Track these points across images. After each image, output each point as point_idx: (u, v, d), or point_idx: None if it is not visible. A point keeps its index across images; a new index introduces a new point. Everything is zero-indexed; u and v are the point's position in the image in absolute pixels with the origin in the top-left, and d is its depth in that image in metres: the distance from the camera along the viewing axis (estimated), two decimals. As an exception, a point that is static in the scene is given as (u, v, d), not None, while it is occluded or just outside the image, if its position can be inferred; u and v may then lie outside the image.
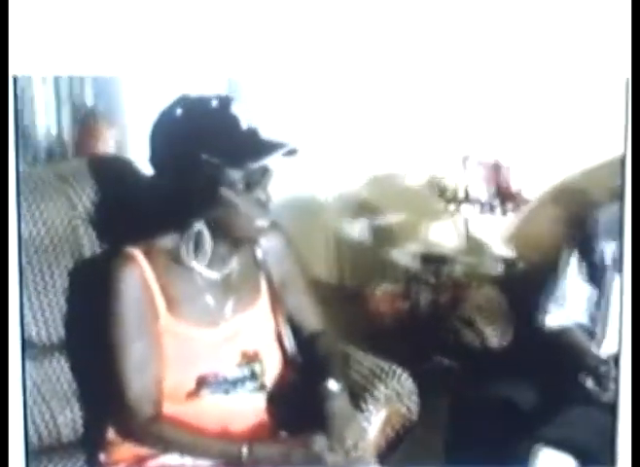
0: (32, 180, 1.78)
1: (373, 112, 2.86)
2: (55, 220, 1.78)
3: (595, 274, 2.03)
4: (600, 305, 2.02)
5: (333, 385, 1.57)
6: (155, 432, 1.53)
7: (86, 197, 1.80)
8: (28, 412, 1.71)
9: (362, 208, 3.24)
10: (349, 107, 2.85)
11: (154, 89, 2.79)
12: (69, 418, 1.75)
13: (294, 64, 1.83)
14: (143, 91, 2.86)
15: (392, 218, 3.19)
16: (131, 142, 2.89)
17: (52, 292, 1.75)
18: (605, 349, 1.99)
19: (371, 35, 1.83)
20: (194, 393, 1.54)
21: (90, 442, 1.69)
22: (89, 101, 2.81)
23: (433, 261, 2.86)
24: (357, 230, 3.28)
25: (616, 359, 1.86)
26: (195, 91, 1.64)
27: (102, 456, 1.62)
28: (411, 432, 1.82)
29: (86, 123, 2.86)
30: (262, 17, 1.80)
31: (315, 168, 2.95)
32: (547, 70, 1.91)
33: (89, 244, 1.79)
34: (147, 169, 1.81)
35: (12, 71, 1.76)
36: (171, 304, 1.54)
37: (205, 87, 2.80)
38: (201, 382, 1.54)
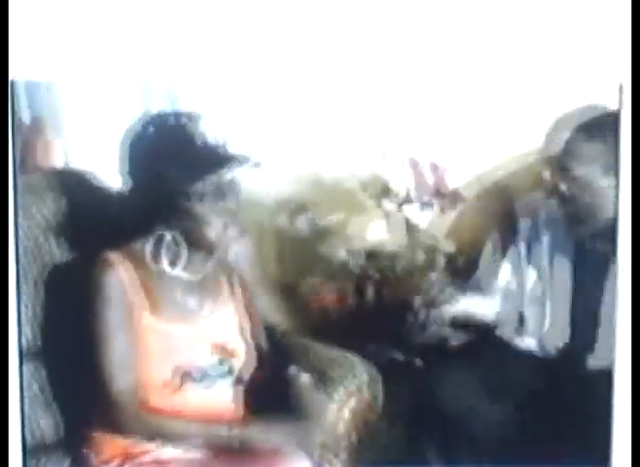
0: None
1: (315, 113, 2.97)
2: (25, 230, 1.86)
3: (523, 265, 2.17)
4: (527, 295, 2.16)
5: (304, 377, 1.70)
6: (141, 423, 1.63)
7: (52, 209, 1.88)
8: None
9: (304, 208, 3.36)
10: (290, 109, 2.96)
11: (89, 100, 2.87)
12: (52, 421, 1.82)
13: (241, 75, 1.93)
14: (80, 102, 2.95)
15: (335, 218, 3.31)
16: (78, 152, 2.96)
17: (26, 299, 1.83)
18: (530, 331, 2.11)
19: (305, 39, 1.94)
20: (176, 386, 1.64)
21: (76, 442, 1.77)
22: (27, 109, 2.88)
23: (377, 258, 3.00)
24: (299, 229, 3.39)
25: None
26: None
27: (91, 456, 1.70)
28: (377, 423, 1.95)
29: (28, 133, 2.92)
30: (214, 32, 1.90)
31: (257, 170, 3.05)
32: (477, 70, 2.06)
33: (59, 252, 1.86)
34: (109, 181, 1.93)
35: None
36: (153, 304, 1.65)
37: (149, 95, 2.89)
38: (183, 376, 1.65)
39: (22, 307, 1.80)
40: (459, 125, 2.87)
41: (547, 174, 2.03)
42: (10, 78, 1.86)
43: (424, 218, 3.00)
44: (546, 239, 2.14)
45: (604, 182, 1.95)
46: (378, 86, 2.08)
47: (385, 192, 3.02)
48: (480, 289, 2.31)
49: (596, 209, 1.98)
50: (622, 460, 1.95)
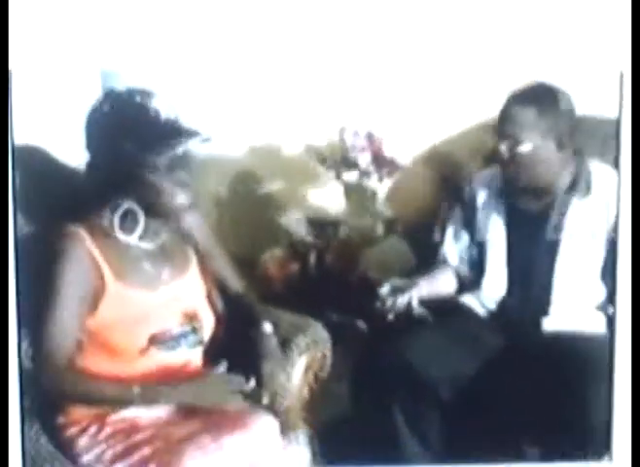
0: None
1: (255, 85, 3.04)
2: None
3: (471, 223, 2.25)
4: (475, 253, 2.24)
5: (267, 327, 1.80)
6: (104, 390, 1.71)
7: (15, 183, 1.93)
8: None
9: (245, 177, 3.43)
10: (232, 81, 3.02)
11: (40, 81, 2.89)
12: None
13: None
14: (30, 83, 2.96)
15: (275, 185, 3.38)
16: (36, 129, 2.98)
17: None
18: (487, 297, 2.20)
19: (248, 19, 1.98)
20: (145, 350, 1.72)
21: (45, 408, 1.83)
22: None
23: (317, 225, 3.08)
24: (241, 198, 3.46)
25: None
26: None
27: (60, 418, 1.78)
28: (327, 381, 2.06)
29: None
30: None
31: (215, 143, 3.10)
32: (413, 40, 2.09)
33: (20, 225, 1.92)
34: (67, 157, 1.98)
35: None
36: (116, 272, 1.72)
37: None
38: (151, 340, 1.72)
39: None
40: (405, 98, 2.98)
41: (485, 140, 2.12)
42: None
43: (363, 185, 3.09)
44: (481, 203, 2.23)
45: (539, 146, 2.03)
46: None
47: (324, 161, 3.08)
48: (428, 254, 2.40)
49: (531, 171, 2.07)
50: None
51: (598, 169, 2.10)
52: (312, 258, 3.12)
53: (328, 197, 3.18)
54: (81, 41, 1.92)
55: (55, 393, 1.74)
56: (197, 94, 2.86)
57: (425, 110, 2.87)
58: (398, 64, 2.29)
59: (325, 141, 3.08)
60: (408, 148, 3.02)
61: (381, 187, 3.07)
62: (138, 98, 1.70)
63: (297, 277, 3.13)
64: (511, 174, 2.09)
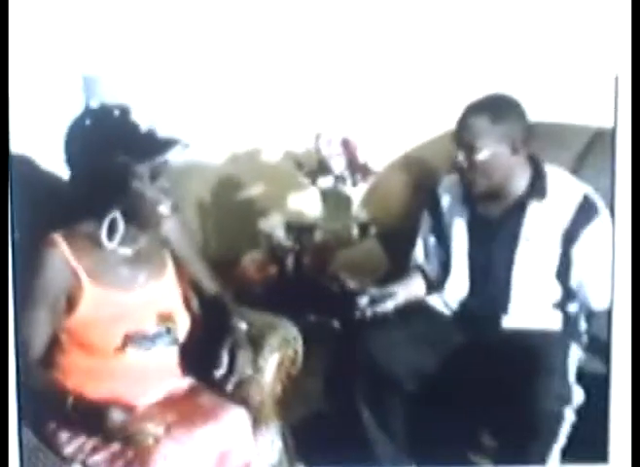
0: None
1: (236, 95, 3.15)
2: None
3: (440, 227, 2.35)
4: (442, 255, 2.34)
5: (240, 323, 1.91)
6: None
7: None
8: None
9: (226, 182, 3.54)
10: (214, 91, 3.13)
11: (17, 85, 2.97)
12: None
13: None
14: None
15: (254, 190, 3.50)
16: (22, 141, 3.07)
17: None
18: (450, 296, 2.31)
19: (215, 18, 2.03)
20: (120, 348, 1.84)
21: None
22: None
23: (295, 229, 3.19)
24: (222, 202, 3.57)
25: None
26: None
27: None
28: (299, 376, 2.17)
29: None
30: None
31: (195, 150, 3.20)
32: (387, 51, 2.13)
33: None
34: (51, 165, 2.09)
35: None
36: (93, 276, 1.83)
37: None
38: (126, 339, 1.84)
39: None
40: (379, 106, 3.08)
41: (448, 148, 2.21)
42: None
43: (339, 190, 3.20)
44: (446, 207, 2.33)
45: (494, 152, 2.12)
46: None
47: (301, 166, 3.19)
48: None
49: (488, 177, 2.15)
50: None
51: (553, 173, 2.20)
52: (290, 261, 3.23)
53: (305, 202, 3.30)
54: (64, 48, 2.02)
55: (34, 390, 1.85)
56: (181, 104, 2.99)
57: (399, 117, 2.97)
58: (373, 73, 2.33)
59: (301, 148, 3.19)
60: (381, 153, 3.14)
61: (356, 191, 3.18)
62: (116, 113, 1.81)
63: (275, 279, 3.24)
64: (469, 180, 2.18)
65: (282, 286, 3.18)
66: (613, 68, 2.06)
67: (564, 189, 2.17)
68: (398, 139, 2.98)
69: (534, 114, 2.76)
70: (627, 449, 2.07)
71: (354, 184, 3.16)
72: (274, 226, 3.19)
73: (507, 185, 2.18)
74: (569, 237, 2.14)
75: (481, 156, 2.12)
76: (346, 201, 3.20)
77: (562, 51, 2.08)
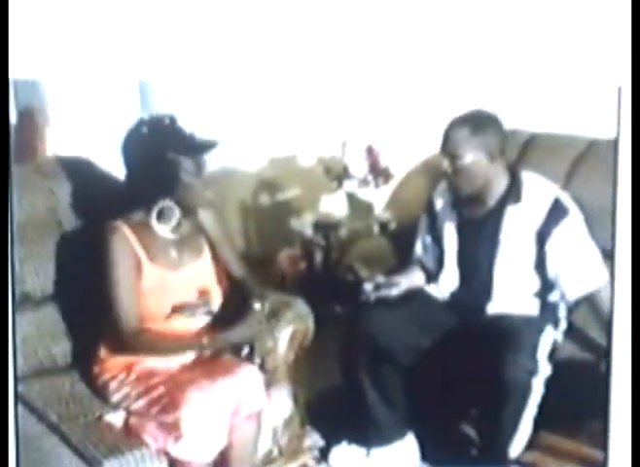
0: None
1: (274, 107, 3.51)
2: (38, 206, 2.44)
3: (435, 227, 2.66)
4: (437, 252, 2.66)
5: (257, 305, 2.29)
6: (140, 342, 2.21)
7: (64, 188, 2.47)
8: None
9: (264, 185, 3.91)
10: (254, 104, 3.51)
11: (73, 92, 3.34)
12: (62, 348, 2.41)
13: (208, 71, 2.27)
14: (64, 93, 3.42)
15: (290, 193, 3.86)
16: (70, 140, 3.45)
17: (43, 257, 2.41)
18: (444, 287, 2.62)
19: (256, 35, 2.23)
20: (169, 316, 2.24)
21: (83, 362, 2.35)
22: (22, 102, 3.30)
23: (323, 227, 3.50)
24: (261, 203, 3.93)
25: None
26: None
27: (95, 369, 2.29)
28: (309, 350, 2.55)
29: (25, 122, 3.38)
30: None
31: (225, 150, 3.52)
32: (409, 63, 2.26)
33: (69, 222, 2.46)
34: (105, 164, 2.49)
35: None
36: (150, 256, 2.24)
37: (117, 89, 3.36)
38: (174, 309, 2.24)
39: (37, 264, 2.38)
40: (399, 115, 3.36)
41: (438, 158, 2.50)
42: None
43: (362, 193, 3.52)
44: (439, 210, 2.62)
45: (473, 160, 2.38)
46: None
47: (329, 171, 3.51)
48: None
49: (470, 183, 2.43)
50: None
51: (528, 179, 2.49)
52: (318, 256, 3.57)
53: (333, 204, 3.64)
54: (119, 54, 2.25)
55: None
56: (227, 115, 3.37)
57: (418, 127, 3.28)
58: (396, 87, 2.52)
59: (329, 154, 3.53)
60: (401, 159, 3.45)
61: (378, 193, 3.51)
62: (167, 121, 2.21)
63: (304, 272, 3.59)
64: (455, 185, 2.49)
65: (310, 278, 3.54)
66: (615, 79, 2.16)
67: (537, 193, 2.46)
68: (418, 147, 3.31)
69: (538, 124, 3.08)
70: (627, 444, 2.23)
71: (377, 186, 3.49)
72: (304, 224, 3.55)
73: (487, 191, 2.48)
74: (542, 236, 2.43)
75: (462, 162, 2.41)
76: (369, 203, 3.54)
77: (566, 62, 2.22)
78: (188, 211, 2.28)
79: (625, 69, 2.15)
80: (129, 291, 2.20)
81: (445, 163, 2.44)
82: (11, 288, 2.22)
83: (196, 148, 2.22)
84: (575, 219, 2.45)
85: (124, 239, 2.22)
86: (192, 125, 2.36)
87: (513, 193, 2.47)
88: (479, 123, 2.42)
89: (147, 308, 2.24)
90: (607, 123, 2.48)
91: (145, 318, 2.24)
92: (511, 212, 2.47)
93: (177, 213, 2.26)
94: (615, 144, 2.21)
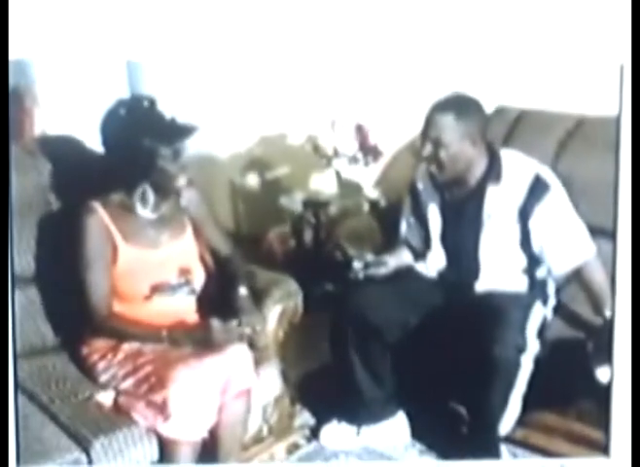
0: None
1: (262, 85, 3.51)
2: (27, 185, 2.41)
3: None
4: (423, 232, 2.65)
5: (242, 290, 2.28)
6: (110, 326, 2.21)
7: (51, 167, 2.45)
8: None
9: (254, 164, 3.90)
10: (244, 84, 3.50)
11: (62, 72, 3.33)
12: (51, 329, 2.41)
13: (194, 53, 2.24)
14: (53, 73, 3.41)
15: (280, 171, 3.86)
16: (59, 119, 3.44)
17: (32, 237, 2.40)
18: (431, 266, 2.62)
19: (247, 16, 2.20)
20: (148, 297, 2.23)
21: (72, 343, 2.35)
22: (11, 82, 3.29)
23: (312, 205, 3.50)
24: (250, 182, 3.93)
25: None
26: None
27: (84, 349, 2.28)
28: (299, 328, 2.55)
29: (14, 102, 3.35)
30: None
31: (214, 130, 3.57)
32: (398, 42, 2.23)
33: (55, 201, 2.45)
34: (92, 144, 2.47)
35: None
36: (125, 236, 2.22)
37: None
38: (153, 289, 2.23)
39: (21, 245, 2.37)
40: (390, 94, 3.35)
41: (420, 141, 2.48)
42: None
43: (352, 171, 3.51)
44: (421, 192, 2.61)
45: (460, 147, 2.38)
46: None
47: (318, 149, 3.50)
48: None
49: (452, 167, 2.41)
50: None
51: (507, 157, 2.48)
52: (308, 234, 3.57)
53: (323, 182, 3.64)
54: (107, 35, 2.21)
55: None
56: (217, 94, 3.34)
57: (407, 105, 3.25)
58: (384, 66, 2.46)
59: (319, 133, 3.52)
60: (390, 138, 3.45)
61: (368, 171, 3.50)
62: (146, 103, 2.19)
63: (293, 250, 3.59)
64: (435, 170, 2.47)
65: (299, 256, 3.54)
66: (618, 57, 2.14)
67: (517, 171, 2.45)
68: (407, 125, 3.22)
69: (529, 101, 3.07)
70: (628, 442, 2.20)
71: (366, 165, 3.47)
72: (294, 202, 3.54)
73: (468, 172, 2.47)
74: (525, 213, 2.42)
75: (446, 149, 2.39)
76: (358, 181, 3.53)
77: (568, 41, 2.19)
78: (165, 194, 2.27)
79: (626, 47, 2.14)
80: (101, 274, 2.20)
81: (428, 149, 2.43)
82: (10, 270, 2.20)
83: (175, 134, 2.20)
84: (557, 194, 2.44)
85: (99, 220, 2.21)
86: (177, 105, 2.35)
87: (493, 172, 2.47)
88: (462, 107, 2.41)
89: (125, 290, 2.24)
90: (599, 100, 2.58)
91: (123, 299, 2.24)
92: (492, 191, 2.47)
93: (151, 196, 2.24)
94: (617, 121, 2.19)
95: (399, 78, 3.21)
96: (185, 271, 2.29)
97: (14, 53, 2.17)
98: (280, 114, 3.69)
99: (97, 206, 2.23)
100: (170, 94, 2.77)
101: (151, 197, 2.24)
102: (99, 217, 2.21)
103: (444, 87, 2.50)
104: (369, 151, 3.51)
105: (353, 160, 3.52)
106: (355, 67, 2.73)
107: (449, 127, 2.39)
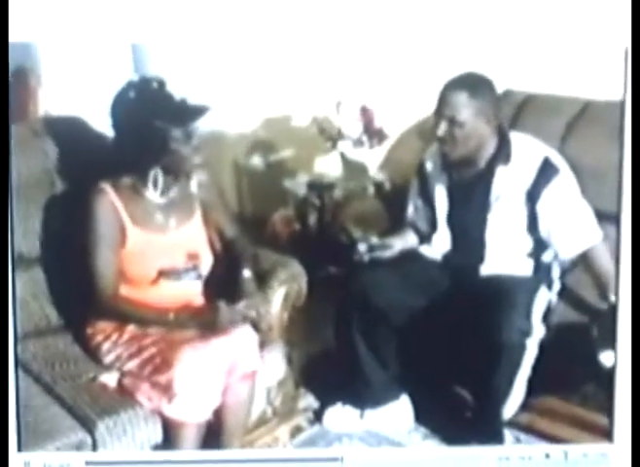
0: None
1: (267, 67, 3.49)
2: (33, 166, 2.39)
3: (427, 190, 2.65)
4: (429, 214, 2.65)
5: (247, 273, 2.28)
6: (115, 309, 2.21)
7: (57, 148, 2.43)
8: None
9: (258, 146, 3.89)
10: (248, 65, 3.48)
11: (69, 53, 3.32)
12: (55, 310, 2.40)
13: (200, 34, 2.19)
14: (58, 55, 3.39)
15: (285, 153, 3.84)
16: (64, 100, 3.43)
17: (37, 218, 2.38)
18: (436, 249, 2.62)
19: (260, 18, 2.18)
20: (155, 281, 2.22)
21: (76, 324, 2.34)
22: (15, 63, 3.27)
23: (317, 187, 3.50)
24: (254, 163, 3.92)
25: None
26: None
27: (88, 330, 2.28)
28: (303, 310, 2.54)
29: (18, 83, 3.34)
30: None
31: (219, 112, 3.51)
32: (404, 24, 2.20)
33: (60, 182, 2.42)
34: (97, 125, 2.46)
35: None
36: (134, 220, 2.21)
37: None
38: (161, 273, 2.22)
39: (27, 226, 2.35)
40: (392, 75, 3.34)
41: (433, 121, 2.45)
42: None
43: (357, 153, 3.50)
44: (429, 173, 2.61)
45: (475, 125, 2.37)
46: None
47: (323, 131, 3.48)
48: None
49: (463, 146, 2.41)
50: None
51: (517, 139, 2.47)
52: (312, 216, 3.56)
53: (328, 164, 3.62)
54: (112, 16, 2.16)
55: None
56: (223, 75, 3.37)
57: (413, 87, 3.26)
58: (390, 47, 2.38)
59: (324, 114, 3.51)
60: (395, 120, 3.44)
61: (373, 154, 3.50)
62: (155, 84, 2.17)
63: (298, 233, 3.59)
64: (447, 149, 2.46)
65: (304, 238, 3.53)
66: (623, 41, 2.12)
67: (527, 154, 2.44)
68: (412, 107, 3.27)
69: (535, 85, 3.06)
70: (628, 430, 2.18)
71: (371, 147, 3.47)
72: (298, 185, 3.53)
73: (477, 153, 2.46)
74: (533, 196, 2.42)
75: (461, 126, 2.38)
76: (363, 163, 3.52)
77: (574, 25, 2.16)
78: (177, 177, 2.25)
79: (627, 30, 2.13)
80: (108, 255, 2.19)
81: (443, 127, 2.41)
82: (10, 250, 2.18)
83: (186, 115, 2.18)
84: (565, 178, 2.44)
85: (109, 202, 2.20)
86: (185, 86, 2.33)
87: (502, 154, 2.46)
88: (475, 86, 2.40)
89: (132, 273, 2.23)
90: (605, 84, 2.48)
91: (130, 282, 2.23)
92: (500, 173, 2.46)
93: (161, 180, 2.22)
94: (621, 105, 2.16)
95: (404, 60, 3.18)
96: (193, 257, 2.28)
97: (17, 35, 2.15)
98: (285, 95, 3.66)
99: (108, 188, 2.21)
100: (174, 74, 2.75)
101: (161, 180, 2.23)
102: (109, 199, 2.20)
103: (450, 70, 2.49)
104: (374, 133, 3.50)
105: (358, 142, 3.51)
106: (360, 50, 2.61)
107: (464, 105, 2.38)
